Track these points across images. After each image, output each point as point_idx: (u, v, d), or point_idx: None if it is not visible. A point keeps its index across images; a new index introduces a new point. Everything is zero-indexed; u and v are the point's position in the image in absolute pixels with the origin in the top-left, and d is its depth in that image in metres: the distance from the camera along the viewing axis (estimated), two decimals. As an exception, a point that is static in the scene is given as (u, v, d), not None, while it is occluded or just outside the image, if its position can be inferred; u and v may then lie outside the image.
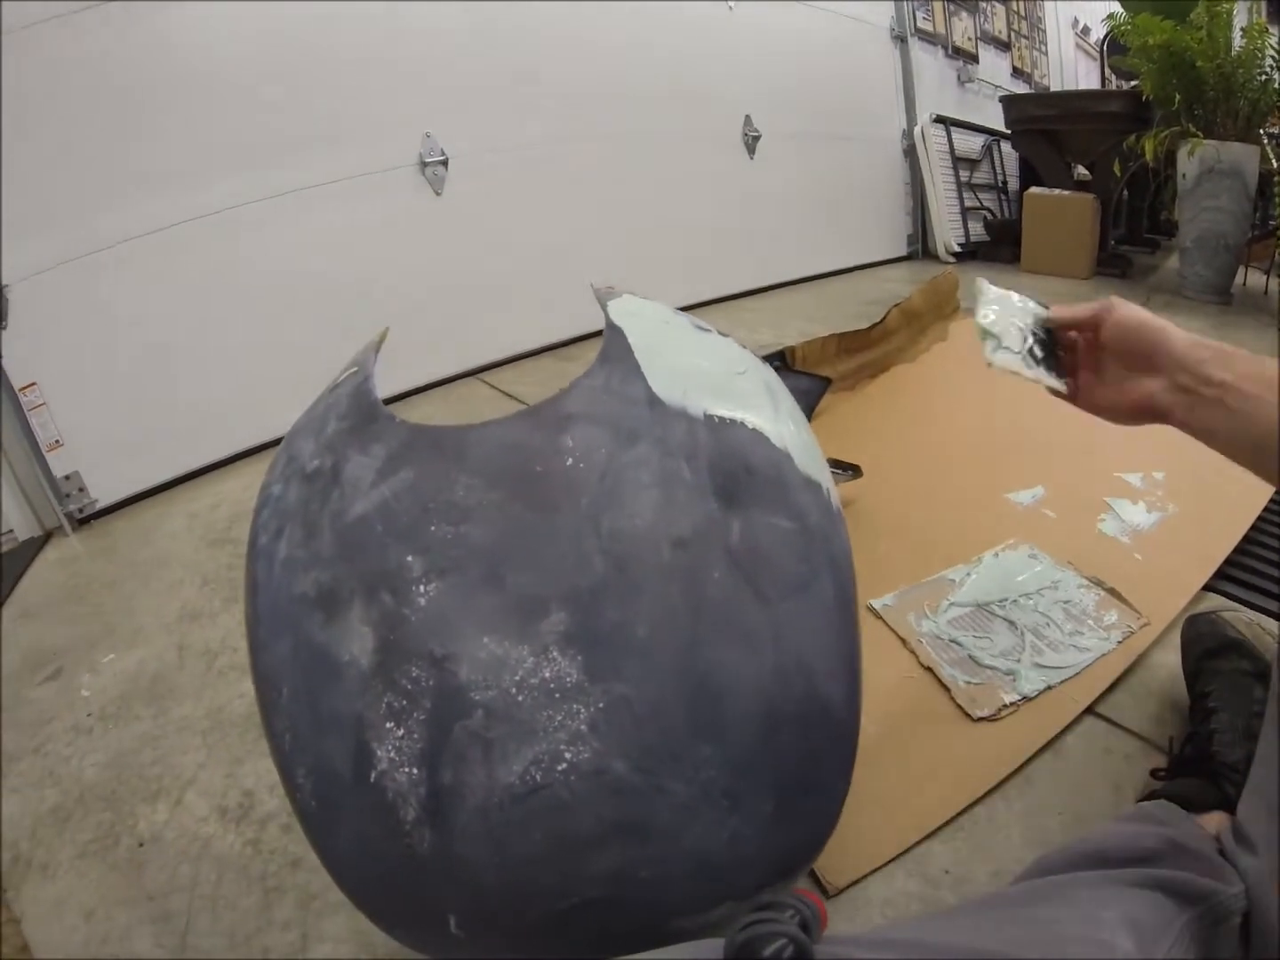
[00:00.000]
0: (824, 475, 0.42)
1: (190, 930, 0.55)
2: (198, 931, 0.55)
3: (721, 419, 0.38)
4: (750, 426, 0.39)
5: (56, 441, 1.15)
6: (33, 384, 1.12)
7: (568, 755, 0.30)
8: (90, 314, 1.19)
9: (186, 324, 1.30)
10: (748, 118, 2.21)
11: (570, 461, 0.34)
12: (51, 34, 1.10)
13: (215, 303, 1.33)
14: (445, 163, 1.61)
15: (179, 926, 0.55)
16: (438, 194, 1.62)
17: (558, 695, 0.31)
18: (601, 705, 0.31)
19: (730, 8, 2.12)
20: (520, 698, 0.30)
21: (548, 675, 0.31)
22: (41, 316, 1.12)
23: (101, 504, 1.21)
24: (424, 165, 1.58)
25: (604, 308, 0.41)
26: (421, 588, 0.32)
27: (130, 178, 1.21)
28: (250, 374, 1.35)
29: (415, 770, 0.31)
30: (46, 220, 1.12)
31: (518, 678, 0.31)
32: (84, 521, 1.19)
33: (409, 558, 0.33)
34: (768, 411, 0.40)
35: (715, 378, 0.40)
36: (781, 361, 1.23)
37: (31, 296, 1.11)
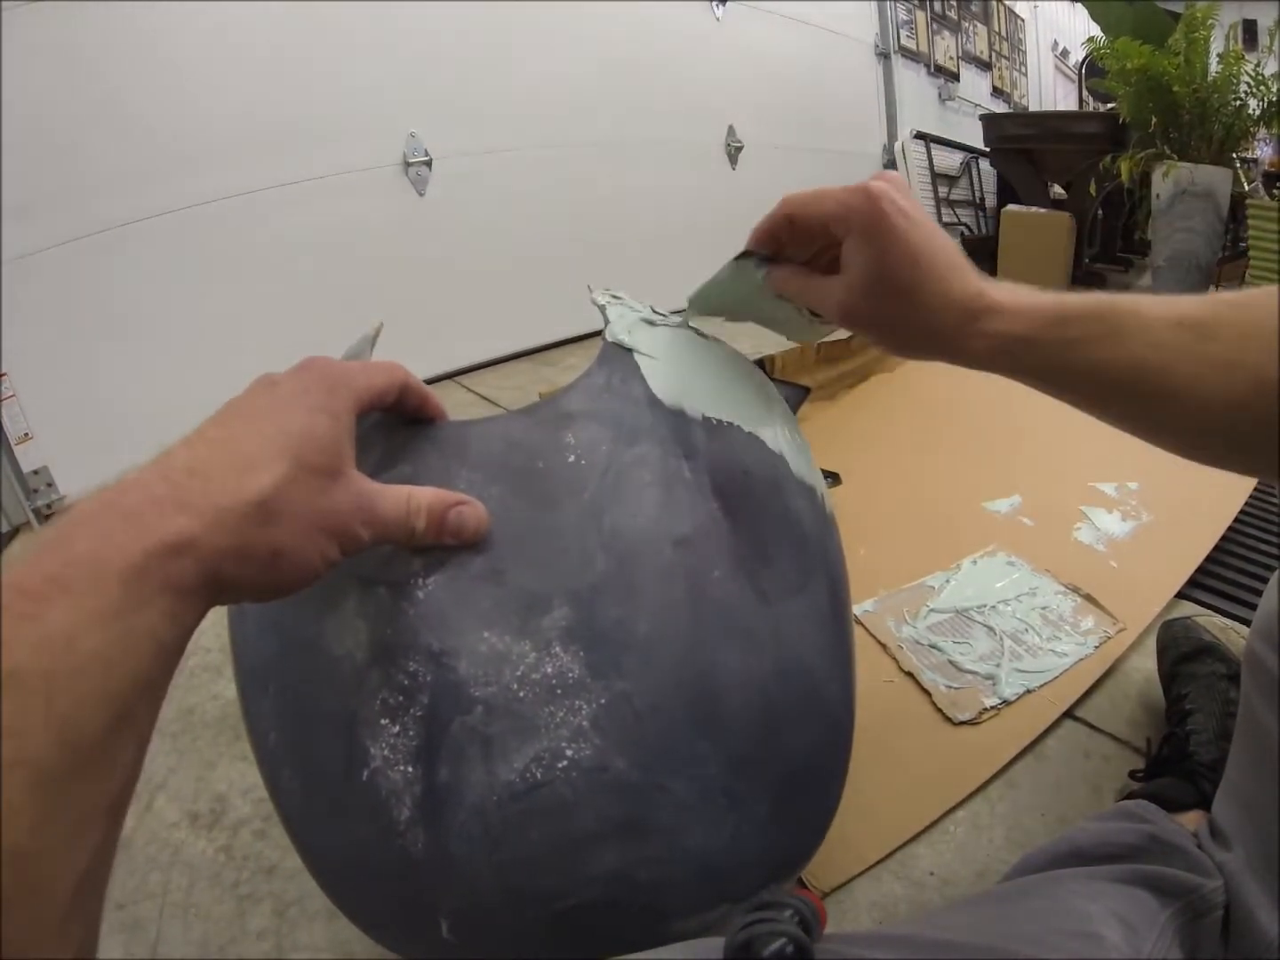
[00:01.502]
0: (817, 479, 0.43)
1: (161, 940, 0.53)
2: (169, 941, 0.53)
3: (719, 421, 0.38)
4: (747, 430, 0.39)
5: (26, 434, 1.12)
6: (3, 375, 1.09)
7: (569, 752, 0.30)
8: (63, 306, 1.16)
9: (161, 319, 1.27)
10: (731, 128, 2.23)
11: (572, 458, 0.34)
12: (32, 21, 1.07)
13: (190, 298, 1.30)
14: (429, 164, 1.60)
15: (149, 936, 0.53)
16: (421, 195, 1.61)
17: (559, 691, 0.30)
18: (603, 702, 0.30)
19: (718, 19, 2.14)
20: (521, 694, 0.30)
21: (549, 671, 0.30)
22: (13, 308, 1.09)
23: (70, 500, 1.18)
24: (408, 165, 1.57)
25: (602, 310, 0.41)
26: (420, 582, 0.32)
27: (106, 171, 1.18)
28: (225, 371, 1.32)
29: (410, 768, 0.30)
30: (18, 211, 1.09)
31: (519, 673, 0.30)
32: (51, 517, 1.16)
33: (407, 551, 0.32)
34: (763, 416, 0.41)
35: (712, 381, 0.40)
36: (761, 370, 1.24)
37: (2, 287, 1.08)
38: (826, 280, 0.36)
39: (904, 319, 0.34)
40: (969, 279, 0.33)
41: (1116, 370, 0.31)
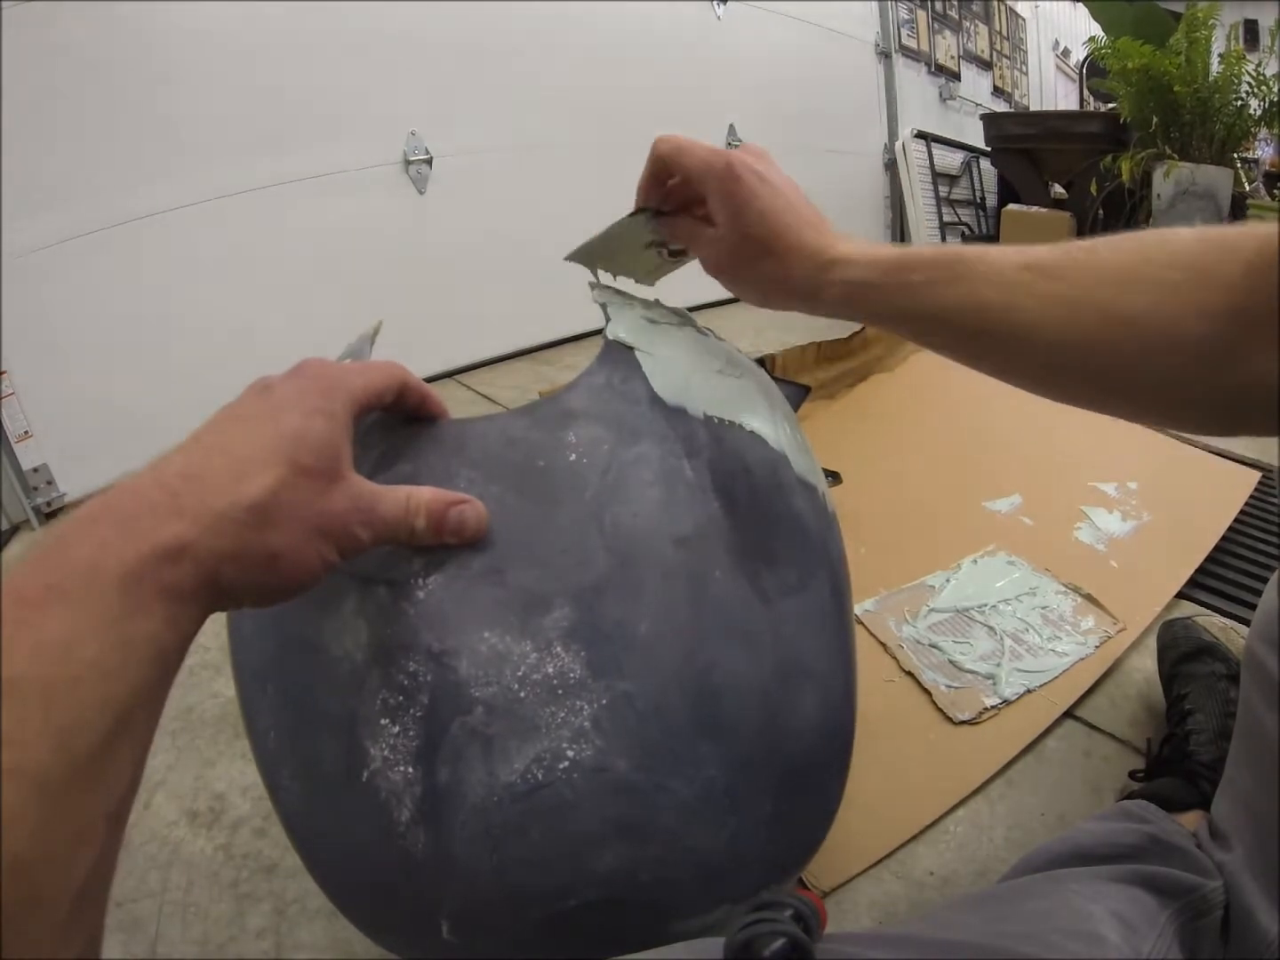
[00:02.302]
0: (818, 478, 0.42)
1: (160, 939, 0.53)
2: (168, 940, 0.53)
3: (720, 420, 0.38)
4: (748, 429, 0.39)
5: (25, 432, 1.12)
6: (3, 373, 1.09)
7: (570, 753, 0.30)
8: (62, 303, 1.16)
9: (161, 316, 1.27)
10: (731, 127, 2.23)
11: (573, 457, 0.34)
12: (34, 20, 1.07)
13: (190, 296, 1.30)
14: (429, 161, 1.60)
15: (148, 934, 0.53)
16: (421, 193, 1.61)
17: (560, 692, 0.30)
18: (604, 702, 0.30)
19: (719, 18, 2.13)
20: (522, 694, 0.30)
21: (550, 671, 0.30)
22: (12, 305, 1.09)
23: (70, 498, 1.17)
24: (408, 164, 1.57)
25: (604, 308, 0.41)
26: (420, 581, 0.31)
27: (105, 168, 1.18)
28: (224, 369, 1.31)
29: (411, 769, 0.30)
30: (17, 208, 1.09)
31: (520, 673, 0.30)
32: (51, 515, 1.16)
33: (407, 551, 0.32)
34: (764, 414, 0.41)
35: (714, 380, 0.40)
36: (762, 368, 1.24)
37: (2, 287, 1.08)
38: (707, 231, 0.38)
39: (762, 273, 0.36)
40: (823, 234, 0.35)
41: (960, 310, 0.33)
